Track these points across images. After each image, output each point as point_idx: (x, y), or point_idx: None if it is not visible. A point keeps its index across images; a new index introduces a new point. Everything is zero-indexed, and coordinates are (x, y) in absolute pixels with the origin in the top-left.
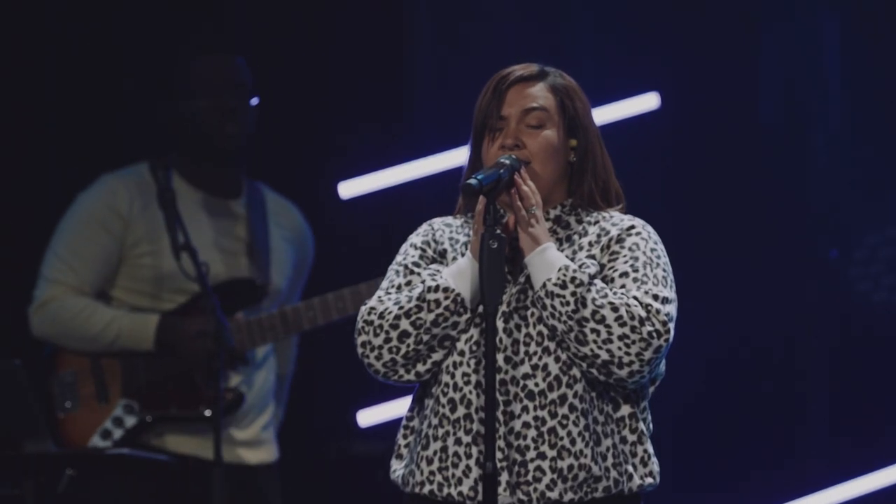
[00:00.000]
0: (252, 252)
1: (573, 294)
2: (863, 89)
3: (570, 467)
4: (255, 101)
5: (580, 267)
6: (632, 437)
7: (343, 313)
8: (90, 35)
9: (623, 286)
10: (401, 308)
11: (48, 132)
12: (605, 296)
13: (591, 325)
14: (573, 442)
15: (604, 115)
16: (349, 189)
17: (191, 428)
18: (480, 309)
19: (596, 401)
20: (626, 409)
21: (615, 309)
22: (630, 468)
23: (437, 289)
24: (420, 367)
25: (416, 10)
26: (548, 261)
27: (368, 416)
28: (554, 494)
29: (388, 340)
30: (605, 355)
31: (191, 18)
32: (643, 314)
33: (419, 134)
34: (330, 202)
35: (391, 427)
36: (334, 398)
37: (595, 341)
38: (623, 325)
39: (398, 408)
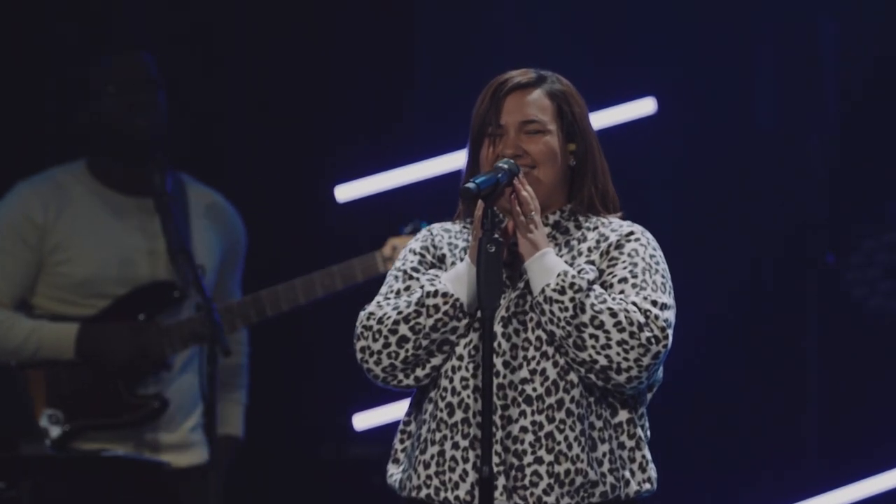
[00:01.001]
0: (172, 250)
1: (572, 300)
2: (859, 94)
3: (567, 472)
4: (161, 95)
5: (579, 272)
6: (630, 443)
7: (330, 290)
8: (14, 34)
9: (622, 292)
10: (399, 313)
11: None
12: (604, 301)
13: (590, 330)
14: (570, 447)
15: (600, 119)
16: (346, 192)
17: (120, 434)
18: (479, 313)
19: (593, 406)
20: (623, 415)
21: (614, 314)
22: (627, 474)
23: (435, 294)
24: (419, 372)
25: (415, 14)
26: (546, 266)
27: (364, 420)
28: (551, 499)
29: (387, 346)
30: (603, 361)
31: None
32: (642, 320)
33: (416, 137)
34: (326, 205)
35: (387, 430)
36: (330, 401)
37: (594, 346)
38: (622, 330)
39: (394, 411)
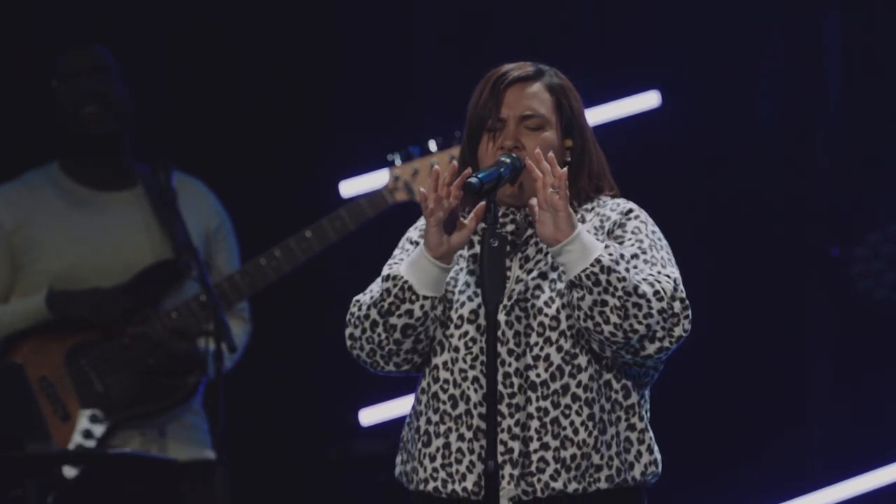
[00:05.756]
0: (178, 247)
1: (626, 269)
2: (864, 86)
3: (573, 457)
4: (118, 85)
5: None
6: (640, 425)
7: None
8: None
9: (635, 267)
10: (372, 298)
11: None
12: (640, 272)
13: (634, 299)
14: (576, 431)
15: (604, 113)
16: (350, 188)
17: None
18: (477, 305)
19: (603, 389)
20: (635, 397)
21: (651, 284)
22: (632, 458)
23: (387, 278)
24: (396, 359)
25: (419, 8)
26: (588, 240)
27: (370, 415)
28: (558, 484)
29: (364, 331)
30: (643, 330)
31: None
32: (672, 291)
33: (421, 132)
34: (331, 200)
35: (393, 425)
36: (336, 397)
37: (636, 316)
38: (661, 299)
39: (400, 406)
